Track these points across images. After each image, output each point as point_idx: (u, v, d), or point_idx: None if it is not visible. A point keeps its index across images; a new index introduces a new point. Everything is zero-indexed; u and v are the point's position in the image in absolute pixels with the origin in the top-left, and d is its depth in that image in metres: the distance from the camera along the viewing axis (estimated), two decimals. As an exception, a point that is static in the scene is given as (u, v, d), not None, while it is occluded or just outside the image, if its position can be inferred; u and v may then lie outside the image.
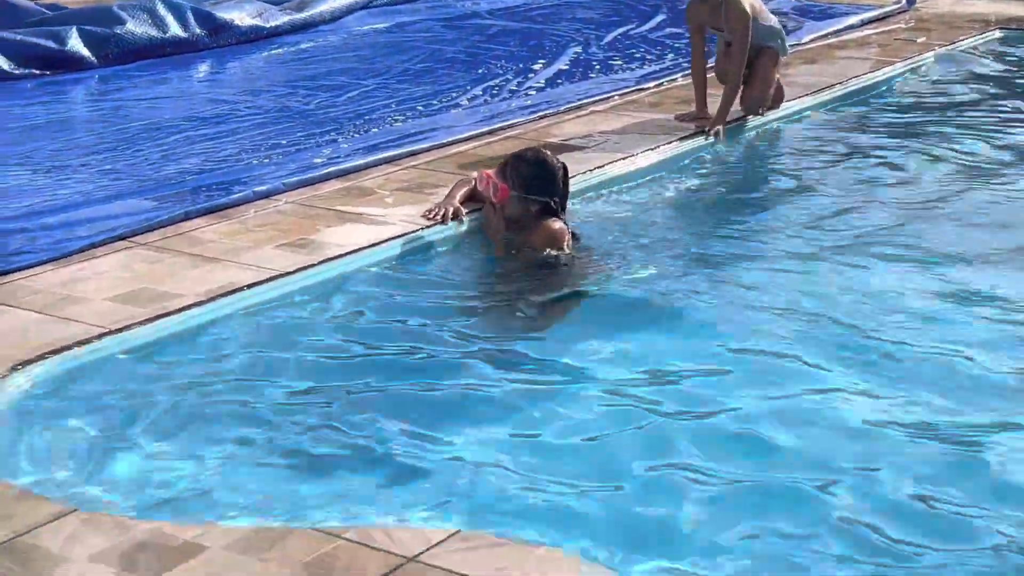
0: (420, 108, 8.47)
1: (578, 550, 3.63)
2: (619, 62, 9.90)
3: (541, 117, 8.16)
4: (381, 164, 7.18)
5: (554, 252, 5.78)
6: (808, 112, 8.63)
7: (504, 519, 3.80)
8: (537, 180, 5.91)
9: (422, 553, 3.51)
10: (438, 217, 6.14)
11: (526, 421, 4.47)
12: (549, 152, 6.10)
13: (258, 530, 3.63)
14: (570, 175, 6.07)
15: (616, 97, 8.75)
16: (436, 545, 3.55)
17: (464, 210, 6.22)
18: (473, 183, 6.33)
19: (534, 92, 8.94)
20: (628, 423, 4.44)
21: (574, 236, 5.96)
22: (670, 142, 7.63)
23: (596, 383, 4.74)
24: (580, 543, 3.68)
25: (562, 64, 9.80)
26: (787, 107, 8.45)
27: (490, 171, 6.06)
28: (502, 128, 7.89)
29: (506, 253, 5.96)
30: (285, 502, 3.89)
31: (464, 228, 6.20)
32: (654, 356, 4.98)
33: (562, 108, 8.37)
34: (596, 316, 5.39)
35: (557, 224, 5.86)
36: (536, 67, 9.72)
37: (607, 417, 4.47)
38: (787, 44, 8.15)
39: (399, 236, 6.01)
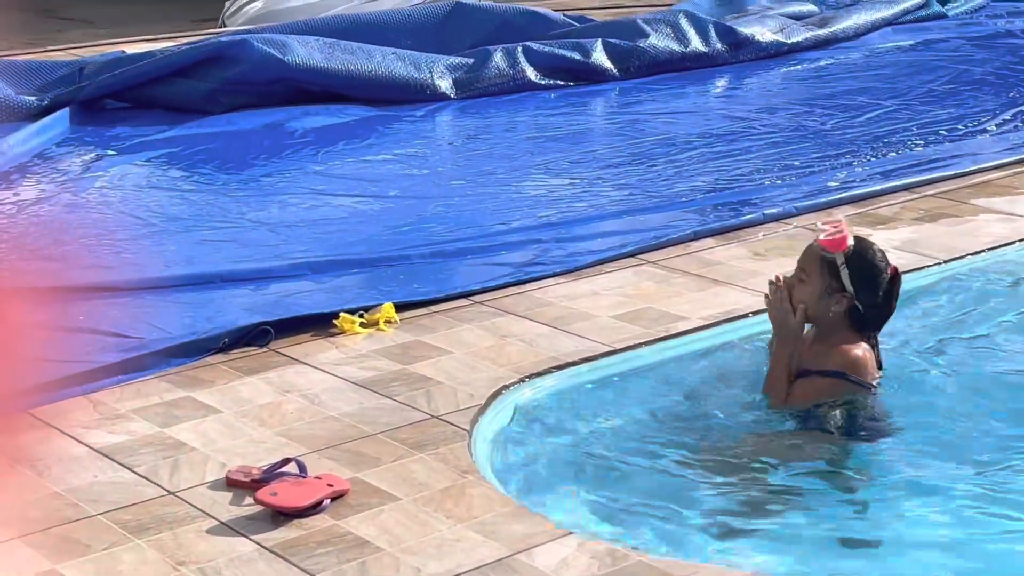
0: (943, 132, 8.07)
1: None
2: None
3: (1078, 148, 7.60)
4: (897, 191, 6.90)
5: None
6: None
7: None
8: (856, 271, 4.42)
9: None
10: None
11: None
12: (880, 249, 4.57)
13: (753, 576, 3.52)
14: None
15: None
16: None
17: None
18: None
19: (1070, 120, 8.34)
20: None
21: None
22: None
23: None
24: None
25: (1104, 91, 9.10)
26: None
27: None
28: (1032, 158, 7.41)
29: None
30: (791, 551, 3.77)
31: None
32: None
33: (1102, 139, 7.77)
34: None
35: (857, 350, 4.47)
36: (1074, 92, 9.08)
37: None
38: None
39: (917, 269, 5.75)
